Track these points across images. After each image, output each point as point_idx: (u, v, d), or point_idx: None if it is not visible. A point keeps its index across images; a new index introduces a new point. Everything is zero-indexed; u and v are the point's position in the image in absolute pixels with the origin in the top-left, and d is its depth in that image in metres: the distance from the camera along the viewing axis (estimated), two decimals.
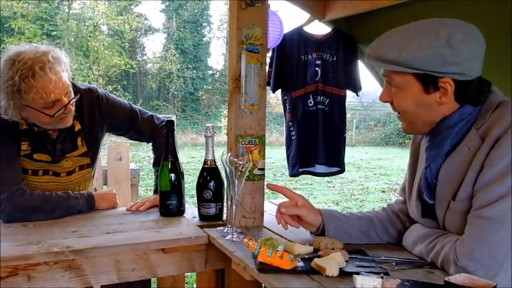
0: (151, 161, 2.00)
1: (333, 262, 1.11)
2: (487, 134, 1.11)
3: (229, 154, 1.40)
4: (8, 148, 1.63)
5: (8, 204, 1.59)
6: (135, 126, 1.89)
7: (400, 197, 1.46)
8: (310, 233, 1.44)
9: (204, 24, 22.78)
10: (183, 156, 8.03)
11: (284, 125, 2.81)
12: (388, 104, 1.24)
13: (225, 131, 2.67)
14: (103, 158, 2.97)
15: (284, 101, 2.63)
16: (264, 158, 1.62)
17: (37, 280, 1.30)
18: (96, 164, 1.91)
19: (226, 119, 1.73)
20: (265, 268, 1.13)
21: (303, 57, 2.52)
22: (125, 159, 3.29)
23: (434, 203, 1.23)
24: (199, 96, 22.12)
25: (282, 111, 2.74)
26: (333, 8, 2.29)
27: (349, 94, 2.68)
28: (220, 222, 1.64)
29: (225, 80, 21.17)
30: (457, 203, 1.15)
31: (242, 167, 1.37)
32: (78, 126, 1.75)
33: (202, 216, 1.67)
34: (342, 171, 2.68)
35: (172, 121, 1.75)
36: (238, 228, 1.50)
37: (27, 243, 1.36)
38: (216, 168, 1.66)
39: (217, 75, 23.26)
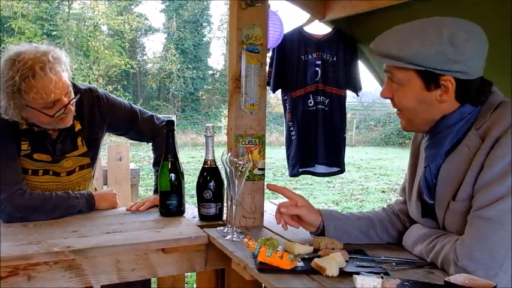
0: (151, 161, 2.00)
1: (333, 262, 1.11)
2: (487, 134, 1.11)
3: (229, 154, 1.40)
4: (8, 148, 1.63)
5: (8, 204, 1.59)
6: (135, 126, 1.89)
7: (400, 197, 1.46)
8: (310, 233, 1.44)
9: (204, 24, 22.78)
10: (183, 156, 8.03)
11: (284, 125, 2.81)
12: (389, 104, 1.24)
13: (225, 131, 2.67)
14: (103, 158, 2.97)
15: (284, 101, 2.63)
16: (264, 158, 1.62)
17: (37, 280, 1.30)
18: (96, 164, 1.91)
19: (226, 119, 1.73)
20: (265, 268, 1.13)
21: (303, 57, 2.52)
22: (125, 159, 3.29)
23: (434, 203, 1.23)
24: (200, 96, 22.12)
25: (282, 111, 2.75)
26: (333, 8, 2.29)
27: (349, 94, 2.68)
28: (220, 222, 1.64)
29: (225, 80, 21.17)
30: (456, 203, 1.15)
31: (242, 167, 1.37)
32: (78, 126, 1.75)
33: (202, 216, 1.67)
34: (342, 171, 2.68)
35: (173, 121, 1.75)
36: (238, 228, 1.50)
37: (28, 243, 1.36)
38: (216, 168, 1.66)
39: (218, 75, 23.26)
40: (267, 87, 2.29)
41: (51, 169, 1.72)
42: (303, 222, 1.41)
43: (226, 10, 22.39)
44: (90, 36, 19.13)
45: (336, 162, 2.64)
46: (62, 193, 1.69)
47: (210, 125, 1.67)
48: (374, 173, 9.84)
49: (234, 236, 1.41)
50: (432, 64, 1.10)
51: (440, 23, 1.11)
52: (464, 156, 1.14)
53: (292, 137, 2.60)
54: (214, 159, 1.66)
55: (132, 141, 2.21)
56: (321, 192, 7.79)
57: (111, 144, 3.57)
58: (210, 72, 23.26)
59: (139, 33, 22.66)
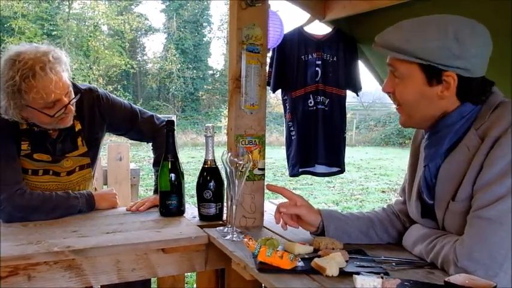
0: (152, 161, 2.00)
1: (333, 262, 1.11)
2: (486, 134, 1.11)
3: (229, 154, 1.40)
4: (8, 148, 1.63)
5: (8, 204, 1.59)
6: (135, 126, 1.89)
7: (400, 198, 1.46)
8: (310, 233, 1.44)
9: (204, 24, 22.77)
10: (183, 156, 8.04)
11: (284, 125, 2.81)
12: (389, 104, 1.25)
13: (225, 131, 2.67)
14: (103, 158, 2.97)
15: (284, 101, 2.63)
16: (264, 158, 1.62)
17: (37, 280, 1.30)
18: (96, 163, 1.91)
19: (227, 119, 1.73)
20: (265, 268, 1.13)
21: (303, 57, 2.52)
22: (125, 159, 3.29)
23: (433, 203, 1.23)
24: (200, 96, 22.11)
25: (282, 111, 2.74)
26: (333, 8, 2.29)
27: (349, 94, 2.68)
28: (220, 222, 1.64)
29: (225, 80, 21.16)
30: (456, 204, 1.15)
31: (242, 167, 1.38)
32: (78, 126, 1.75)
33: (202, 216, 1.67)
34: (342, 171, 2.68)
35: (173, 121, 1.75)
36: (238, 228, 1.50)
37: (28, 243, 1.36)
38: (216, 168, 1.66)
39: (218, 75, 23.26)
40: (267, 87, 2.29)
41: (51, 169, 1.72)
42: (303, 222, 1.41)
43: (226, 10, 22.40)
44: (90, 36, 19.12)
45: (336, 162, 2.64)
46: (62, 193, 1.69)
47: (210, 125, 1.68)
48: (374, 173, 9.84)
49: (234, 236, 1.41)
50: (436, 58, 1.10)
51: (447, 20, 1.12)
52: (464, 156, 1.14)
53: (292, 137, 2.60)
54: (214, 159, 1.66)
55: (132, 141, 2.21)
56: (321, 192, 7.79)
57: (111, 144, 3.57)
58: (210, 72, 23.25)
59: (139, 33, 22.65)
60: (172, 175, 1.69)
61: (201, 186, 1.66)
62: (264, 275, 1.12)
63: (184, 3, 21.99)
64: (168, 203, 1.70)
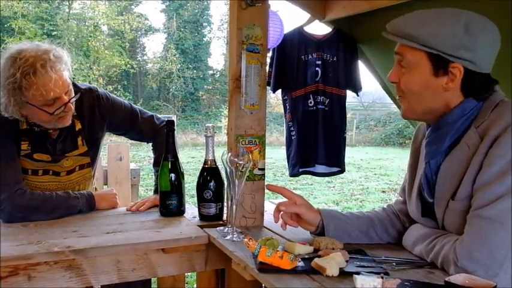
0: (152, 161, 2.00)
1: (333, 262, 1.11)
2: (486, 132, 1.11)
3: (229, 154, 1.40)
4: (8, 148, 1.63)
5: (8, 204, 1.59)
6: (135, 126, 1.89)
7: (400, 198, 1.46)
8: (310, 233, 1.44)
9: (204, 24, 22.76)
10: (183, 156, 8.04)
11: (284, 125, 2.81)
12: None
13: (225, 131, 2.67)
14: (103, 158, 2.98)
15: (284, 101, 2.63)
16: (264, 158, 1.62)
17: (37, 280, 1.30)
18: (96, 163, 1.91)
19: (227, 119, 1.73)
20: (265, 268, 1.13)
21: (303, 57, 2.52)
22: (125, 159, 3.29)
23: (433, 201, 1.23)
24: (200, 96, 22.11)
25: (282, 111, 2.75)
26: (333, 8, 2.29)
27: (350, 94, 2.68)
28: (221, 222, 1.64)
29: (225, 80, 21.16)
30: (456, 203, 1.15)
31: (242, 167, 1.38)
32: (78, 126, 1.75)
33: (203, 216, 1.67)
34: (342, 171, 2.68)
35: (173, 121, 1.75)
36: (238, 228, 1.50)
37: (28, 243, 1.36)
38: (216, 168, 1.66)
39: (218, 75, 23.24)
40: (267, 87, 2.29)
41: (51, 169, 1.72)
42: (302, 222, 1.41)
43: (226, 10, 22.39)
44: (90, 36, 19.12)
45: (336, 162, 2.64)
46: (62, 193, 1.69)
47: (210, 125, 1.68)
48: (374, 173, 9.84)
49: (234, 236, 1.41)
50: (445, 48, 1.11)
51: (460, 12, 1.13)
52: (464, 155, 1.14)
53: (292, 137, 2.60)
54: (214, 159, 1.66)
55: (133, 141, 2.21)
56: (321, 192, 7.79)
57: (111, 144, 3.57)
58: (210, 72, 23.24)
59: (139, 33, 22.64)
60: (173, 175, 1.69)
61: (201, 186, 1.66)
62: (264, 275, 1.12)
63: (184, 3, 21.98)
64: (168, 203, 1.70)
